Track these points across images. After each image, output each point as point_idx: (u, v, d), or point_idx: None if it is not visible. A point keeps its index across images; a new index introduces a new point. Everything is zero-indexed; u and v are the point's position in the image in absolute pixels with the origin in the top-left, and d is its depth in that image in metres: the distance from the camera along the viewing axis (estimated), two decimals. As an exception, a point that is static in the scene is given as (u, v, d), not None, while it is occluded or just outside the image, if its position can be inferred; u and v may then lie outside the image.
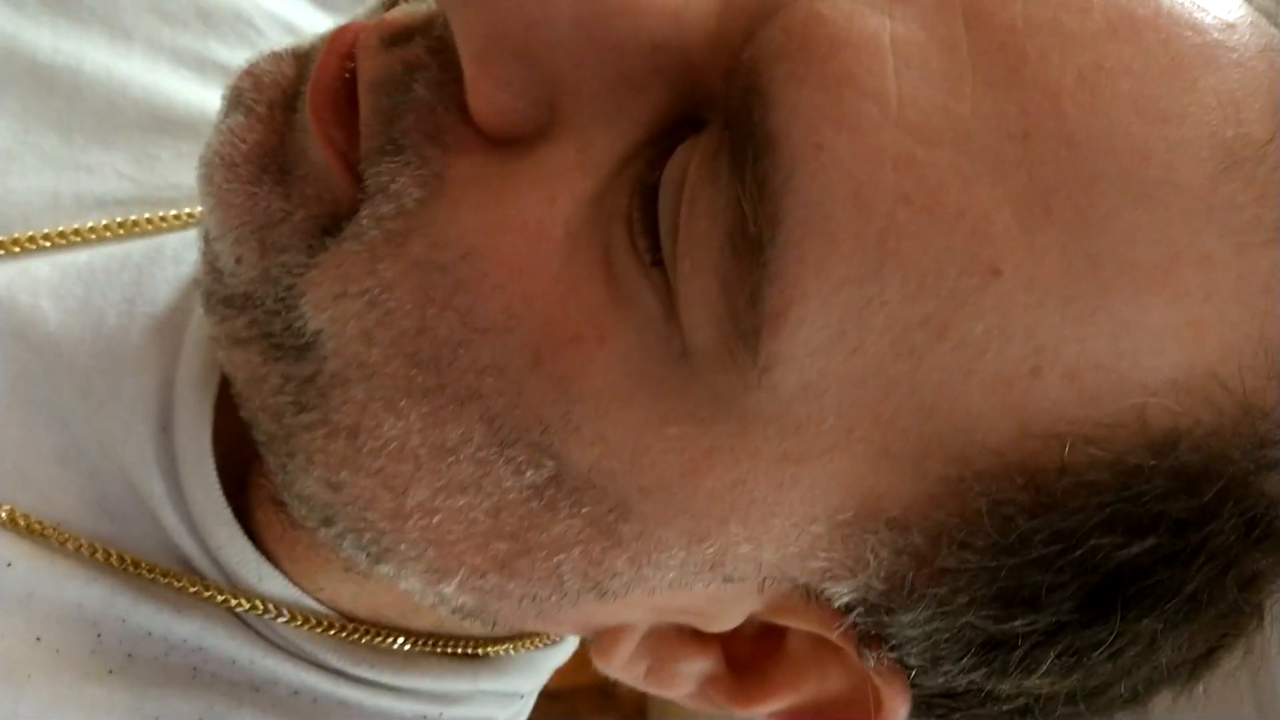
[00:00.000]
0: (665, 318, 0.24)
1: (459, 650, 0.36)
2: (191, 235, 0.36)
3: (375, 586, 0.33)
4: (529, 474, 0.26)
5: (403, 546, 0.28)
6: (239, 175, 0.27)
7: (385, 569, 0.29)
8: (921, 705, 0.29)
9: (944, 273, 0.22)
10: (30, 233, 0.35)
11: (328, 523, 0.29)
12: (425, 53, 0.27)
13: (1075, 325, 0.23)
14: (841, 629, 0.28)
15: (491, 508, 0.26)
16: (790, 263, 0.22)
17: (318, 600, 0.33)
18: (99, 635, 0.31)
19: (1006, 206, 0.22)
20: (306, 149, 0.27)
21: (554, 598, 0.28)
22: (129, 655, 0.31)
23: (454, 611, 0.30)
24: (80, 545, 0.31)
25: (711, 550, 0.27)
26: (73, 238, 0.35)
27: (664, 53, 0.24)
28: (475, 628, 0.36)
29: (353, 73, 0.27)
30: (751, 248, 0.23)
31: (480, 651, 0.36)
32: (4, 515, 0.31)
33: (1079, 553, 0.25)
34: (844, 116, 0.22)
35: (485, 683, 0.36)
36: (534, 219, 0.25)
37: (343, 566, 0.32)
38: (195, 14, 0.41)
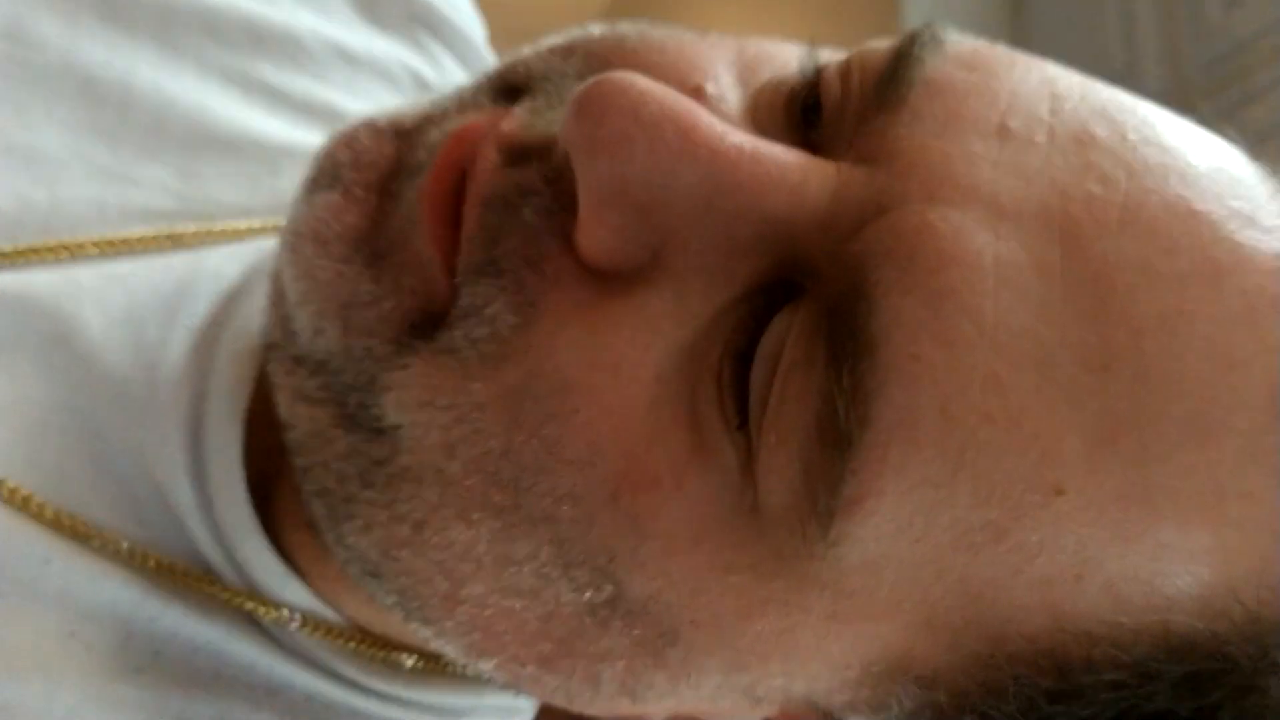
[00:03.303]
0: (741, 474, 0.25)
1: (467, 671, 0.37)
2: (231, 250, 0.37)
3: (391, 615, 0.34)
4: (588, 593, 0.27)
5: (448, 624, 0.29)
6: (329, 253, 0.28)
7: (421, 629, 0.30)
8: None
9: (1012, 487, 0.24)
10: (78, 239, 0.36)
11: (370, 574, 0.29)
12: (540, 179, 0.27)
13: (1121, 544, 0.25)
14: None
15: (544, 614, 0.27)
16: (873, 461, 0.24)
17: (336, 612, 0.35)
18: (129, 634, 0.32)
19: (1077, 433, 0.24)
20: (408, 238, 0.28)
21: (588, 695, 0.29)
22: (156, 654, 0.32)
23: (482, 674, 0.31)
24: (115, 547, 0.32)
25: (747, 679, 0.28)
26: (119, 246, 0.36)
27: (775, 225, 0.25)
28: None
29: (463, 173, 0.28)
30: (838, 441, 0.24)
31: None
32: (45, 514, 0.32)
33: None
34: (942, 332, 0.23)
35: (489, 698, 0.38)
36: (628, 361, 0.25)
37: (365, 596, 0.33)
38: (246, 34, 0.42)
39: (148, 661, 0.32)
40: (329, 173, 0.29)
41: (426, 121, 0.29)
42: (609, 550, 0.26)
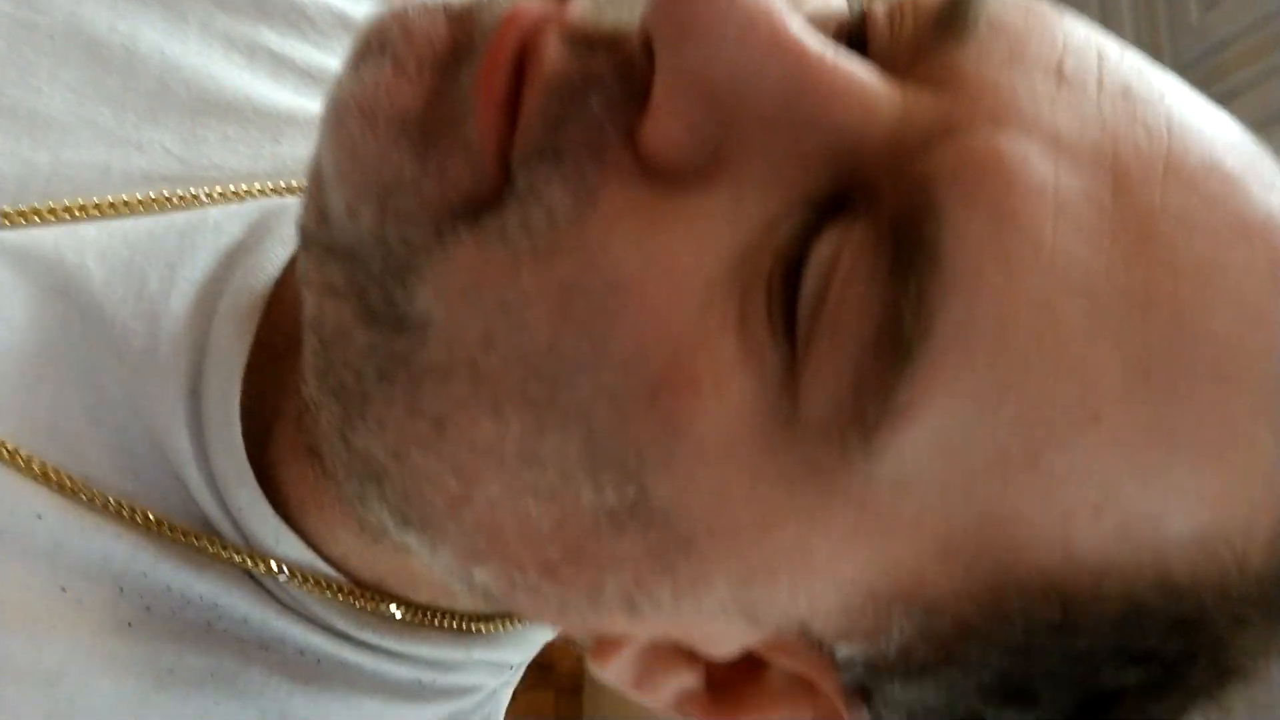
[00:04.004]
0: (782, 382, 0.26)
1: (454, 625, 0.38)
2: (233, 208, 0.38)
3: (381, 552, 0.35)
4: (609, 495, 0.27)
5: (450, 526, 0.29)
6: (375, 130, 0.27)
7: (413, 538, 0.30)
8: None
9: (1053, 411, 0.25)
10: (80, 201, 0.36)
11: (372, 479, 0.29)
12: (609, 71, 0.27)
13: (1140, 479, 0.26)
14: (834, 681, 0.30)
15: (559, 517, 0.27)
16: (928, 371, 0.24)
17: (330, 563, 0.35)
18: (121, 589, 0.32)
19: (1118, 365, 0.25)
20: (458, 122, 0.27)
21: (584, 606, 0.29)
22: (148, 609, 0.32)
23: (470, 589, 0.31)
24: (106, 501, 0.32)
25: (752, 595, 0.28)
26: (120, 208, 0.36)
27: (845, 138, 0.25)
28: (469, 604, 0.38)
29: (521, 58, 0.27)
30: (898, 351, 0.24)
31: (474, 627, 0.38)
32: (35, 468, 0.32)
33: (1084, 670, 0.28)
34: (1004, 253, 0.24)
35: (479, 653, 0.38)
36: (682, 263, 0.25)
37: (357, 528, 0.33)
38: (250, 1, 0.42)
39: (139, 616, 0.32)
40: (378, 45, 0.28)
41: (477, 6, 0.28)
42: (639, 451, 0.26)
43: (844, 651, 0.29)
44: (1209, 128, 0.28)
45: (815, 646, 0.30)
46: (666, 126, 0.25)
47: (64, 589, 0.31)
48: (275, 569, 0.34)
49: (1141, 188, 0.25)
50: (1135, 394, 0.25)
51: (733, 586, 0.28)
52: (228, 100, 0.40)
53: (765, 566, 0.28)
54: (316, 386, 0.30)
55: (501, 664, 0.40)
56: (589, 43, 0.27)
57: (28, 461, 0.32)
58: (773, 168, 0.26)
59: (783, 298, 0.26)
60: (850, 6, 0.29)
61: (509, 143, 0.27)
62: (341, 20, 0.44)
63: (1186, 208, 0.26)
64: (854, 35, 0.28)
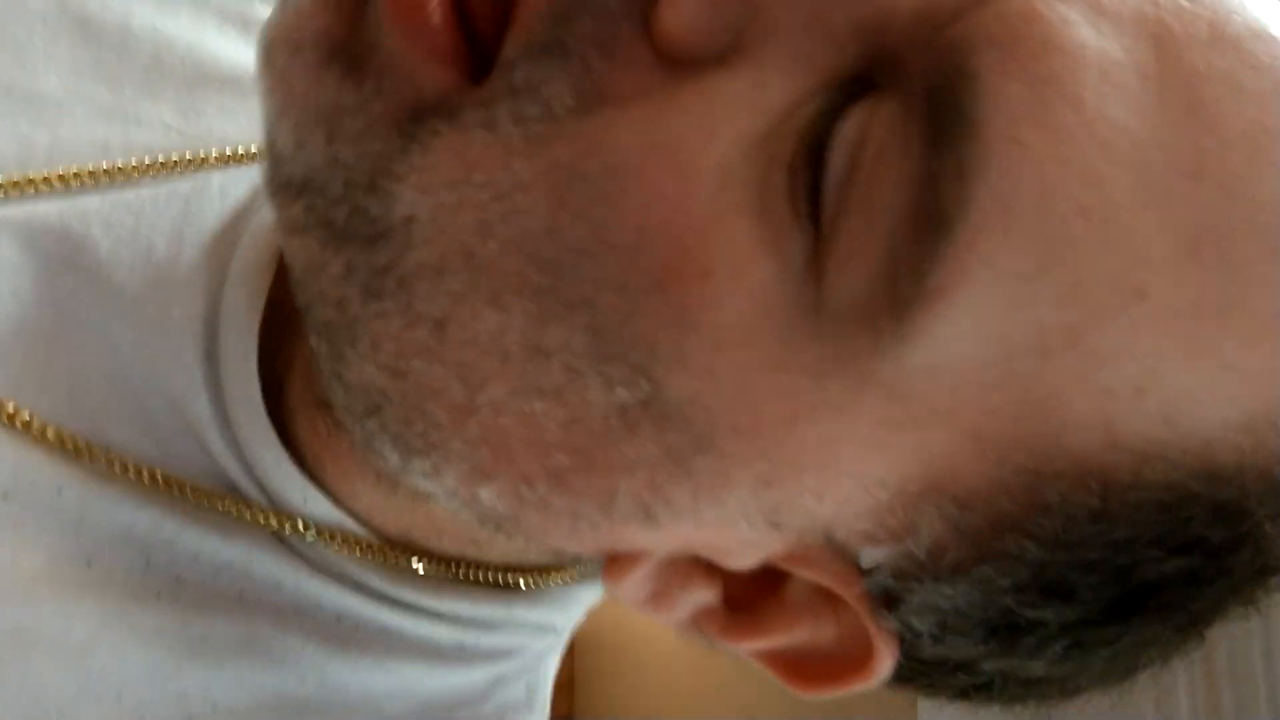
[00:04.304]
0: (805, 268, 0.25)
1: (492, 579, 0.36)
2: (237, 172, 0.37)
3: (401, 503, 0.34)
4: (619, 392, 0.26)
5: (455, 443, 0.27)
6: (303, 58, 0.26)
7: (418, 465, 0.29)
8: (898, 668, 0.30)
9: (1097, 286, 0.24)
10: (79, 169, 0.35)
11: (372, 412, 0.28)
12: None
13: (1187, 357, 0.25)
14: (859, 589, 0.29)
15: (567, 419, 0.26)
16: (965, 247, 0.23)
17: (357, 519, 0.34)
18: (148, 559, 0.31)
19: (1166, 236, 0.24)
20: (378, 39, 0.26)
21: (596, 517, 0.28)
22: (177, 579, 0.32)
23: (476, 515, 0.30)
24: (128, 468, 0.32)
25: (775, 497, 0.27)
26: (121, 174, 0.36)
27: (875, 10, 0.24)
28: (500, 554, 0.36)
29: None
30: (935, 225, 0.23)
31: (512, 579, 0.37)
32: (53, 438, 0.31)
33: (1125, 560, 0.27)
34: (1045, 119, 0.23)
35: (520, 611, 0.37)
36: (689, 147, 0.24)
37: (374, 477, 0.33)
38: None
39: (169, 586, 0.31)
40: None
41: None
42: (650, 343, 0.25)
43: (869, 557, 0.28)
44: None
45: (839, 554, 0.28)
46: (686, 10, 0.24)
47: (90, 562, 0.31)
48: (303, 529, 0.33)
49: (1186, 51, 0.24)
50: (1183, 267, 0.24)
51: (755, 488, 0.27)
52: (224, 72, 0.40)
53: (790, 464, 0.26)
54: (310, 331, 0.29)
55: (545, 626, 0.38)
56: None
57: (44, 432, 0.31)
58: (797, 47, 0.25)
59: (806, 177, 0.25)
60: None
61: (439, 40, 0.25)
62: None
63: (1233, 73, 0.25)
64: None
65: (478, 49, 0.26)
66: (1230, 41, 0.25)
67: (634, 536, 0.29)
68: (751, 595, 0.31)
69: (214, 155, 0.37)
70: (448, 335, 0.26)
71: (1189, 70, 0.24)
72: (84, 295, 0.33)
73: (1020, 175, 0.23)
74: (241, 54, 0.40)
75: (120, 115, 0.37)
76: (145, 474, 0.32)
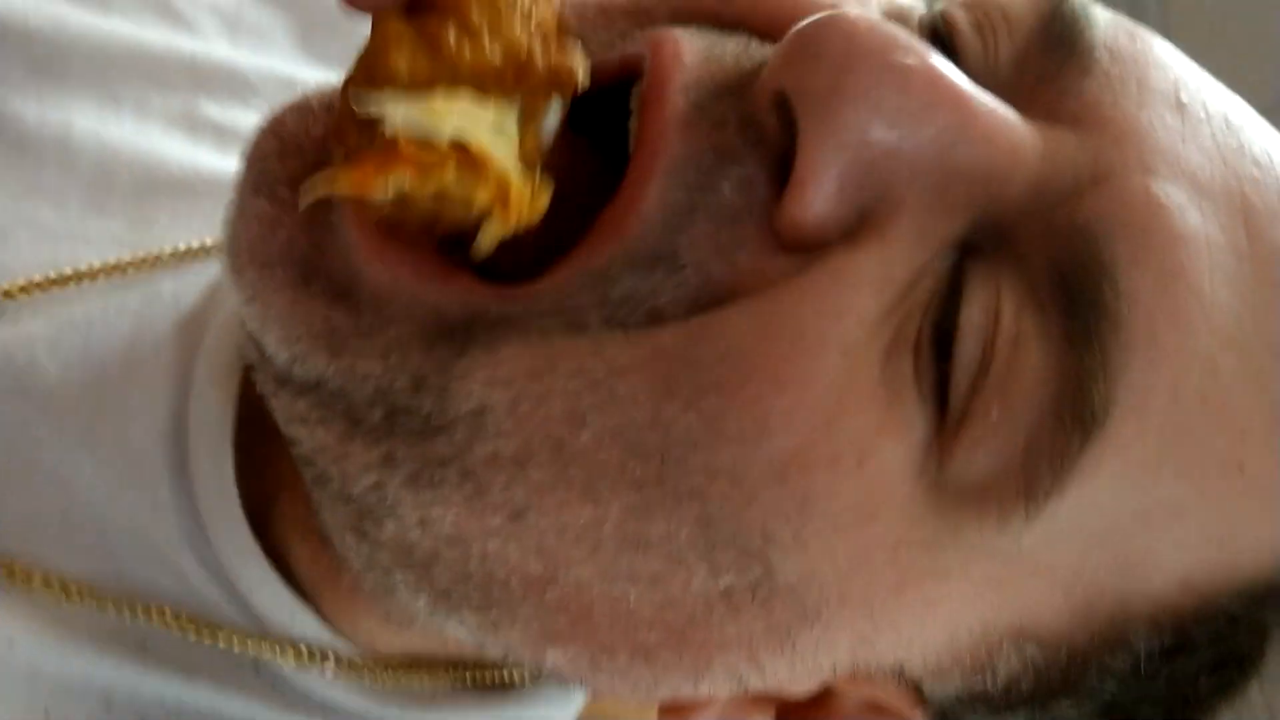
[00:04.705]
0: (928, 448, 0.24)
1: (490, 677, 0.35)
2: (188, 277, 0.35)
3: (411, 636, 0.32)
4: (728, 578, 0.25)
5: (523, 609, 0.26)
6: (277, 277, 0.25)
7: (463, 619, 0.27)
8: None
9: (1208, 465, 0.25)
10: (22, 282, 0.33)
11: (409, 566, 0.26)
12: (739, 139, 0.24)
13: (1261, 512, 0.27)
14: (912, 708, 0.29)
15: (663, 601, 0.25)
16: (1108, 443, 0.24)
17: (349, 642, 0.32)
18: (109, 706, 0.30)
19: (1262, 414, 0.25)
20: (359, 273, 0.25)
21: (682, 685, 0.27)
22: None
23: (538, 671, 0.29)
24: (90, 602, 0.30)
25: (868, 652, 0.27)
26: (64, 284, 0.34)
27: (991, 184, 0.24)
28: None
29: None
30: (1081, 422, 0.24)
31: (507, 678, 0.35)
32: (16, 574, 0.30)
33: (1184, 686, 0.28)
34: (1175, 312, 0.24)
35: (511, 712, 0.35)
36: (815, 330, 0.23)
37: (382, 614, 0.31)
38: (187, 75, 0.40)
39: None
40: (256, 170, 0.26)
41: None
42: (766, 531, 0.24)
43: (937, 690, 0.28)
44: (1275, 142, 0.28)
45: (905, 683, 0.28)
46: (813, 201, 0.23)
47: (47, 712, 0.29)
48: (291, 653, 0.31)
49: (1267, 227, 0.26)
50: (1272, 438, 0.26)
51: (854, 647, 0.27)
52: (174, 177, 0.38)
53: (891, 624, 0.26)
54: (315, 490, 0.27)
55: None
56: (716, 91, 0.24)
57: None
58: (919, 223, 0.24)
59: (932, 359, 0.24)
60: (929, 5, 0.28)
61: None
62: (285, 84, 0.42)
63: None
64: (938, 39, 0.27)
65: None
66: None
67: (715, 693, 0.28)
68: (800, 710, 0.31)
69: (167, 252, 0.35)
70: (526, 522, 0.25)
71: (1270, 246, 0.25)
72: (34, 425, 0.32)
73: (1157, 373, 0.24)
74: (190, 155, 0.39)
75: (67, 235, 0.36)
76: (111, 606, 0.30)
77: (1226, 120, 0.27)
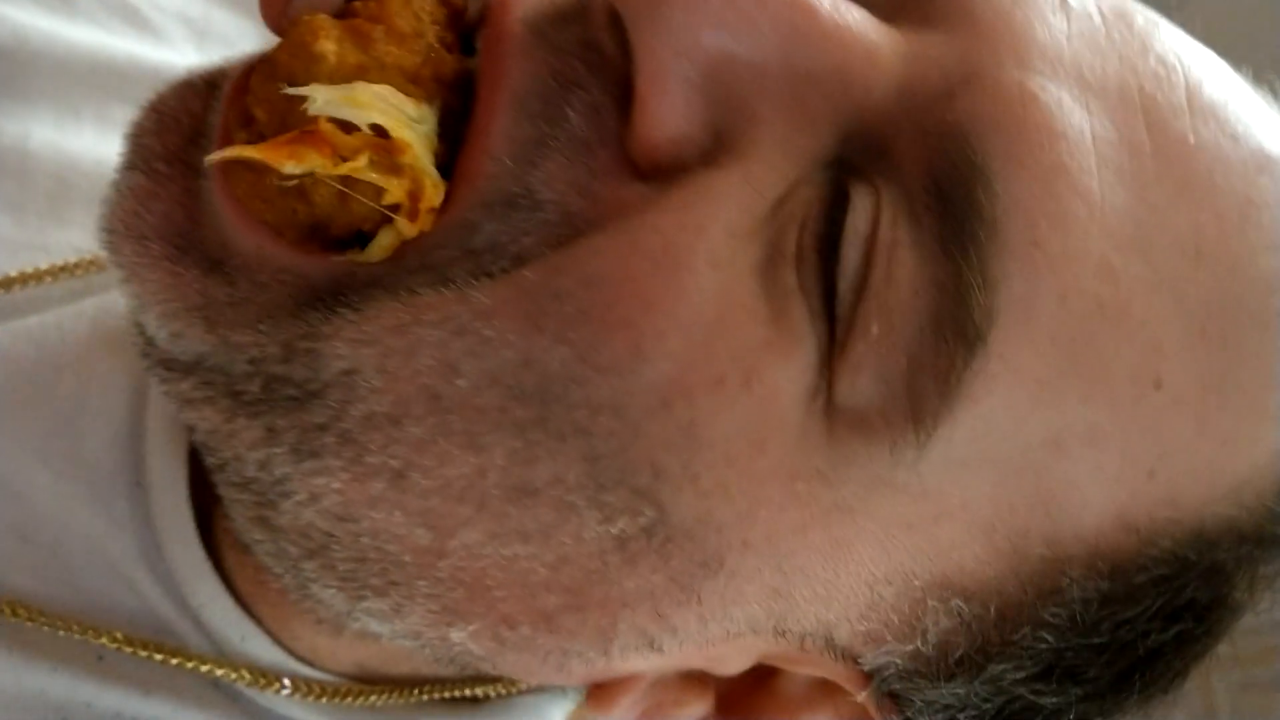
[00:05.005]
0: (819, 369, 0.23)
1: (455, 694, 0.34)
2: None
3: (350, 640, 0.32)
4: (620, 522, 0.24)
5: (421, 583, 0.25)
6: (152, 252, 0.24)
7: (372, 606, 0.26)
8: None
9: (1116, 382, 0.23)
10: None
11: (312, 554, 0.26)
12: (581, 63, 0.23)
13: (1195, 438, 0.24)
14: (859, 685, 0.28)
15: (556, 559, 0.24)
16: (994, 356, 0.22)
17: (300, 659, 0.32)
18: None
19: (1178, 322, 0.24)
20: (231, 243, 0.24)
21: (591, 654, 0.26)
22: None
23: (445, 656, 0.28)
24: (44, 621, 0.30)
25: (784, 606, 0.26)
26: (25, 282, 0.34)
27: (849, 89, 0.23)
28: (448, 670, 0.34)
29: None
30: (962, 336, 0.22)
31: (481, 693, 0.34)
32: None
33: (1130, 636, 0.26)
34: (1057, 213, 0.22)
35: None
36: (679, 245, 0.22)
37: (313, 620, 0.31)
38: (149, 84, 0.39)
39: None
40: (134, 146, 0.25)
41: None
42: (654, 466, 0.23)
43: (873, 660, 0.27)
44: (1199, 53, 0.26)
45: (841, 656, 0.27)
46: (658, 117, 0.23)
47: None
48: (247, 676, 0.31)
49: (1172, 122, 0.24)
50: (1193, 351, 0.24)
51: (765, 600, 0.25)
52: None
53: (800, 572, 0.25)
54: (218, 481, 0.27)
55: None
56: (556, 19, 0.24)
57: None
58: (780, 135, 0.23)
59: (818, 271, 0.23)
60: None
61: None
62: None
63: (1216, 141, 0.24)
64: None
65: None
66: (1207, 109, 0.25)
67: (631, 666, 0.27)
68: (742, 693, 0.30)
69: None
70: (410, 484, 0.24)
71: (1178, 142, 0.24)
72: None
73: (1041, 280, 0.22)
74: None
75: (26, 246, 0.36)
76: (62, 625, 0.30)
77: (1126, 19, 0.25)
